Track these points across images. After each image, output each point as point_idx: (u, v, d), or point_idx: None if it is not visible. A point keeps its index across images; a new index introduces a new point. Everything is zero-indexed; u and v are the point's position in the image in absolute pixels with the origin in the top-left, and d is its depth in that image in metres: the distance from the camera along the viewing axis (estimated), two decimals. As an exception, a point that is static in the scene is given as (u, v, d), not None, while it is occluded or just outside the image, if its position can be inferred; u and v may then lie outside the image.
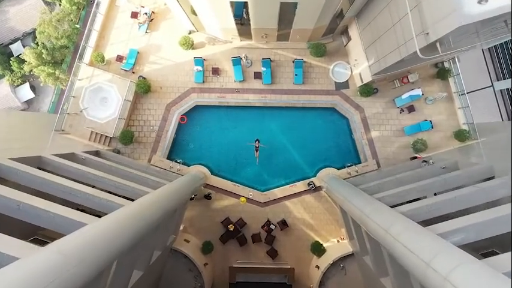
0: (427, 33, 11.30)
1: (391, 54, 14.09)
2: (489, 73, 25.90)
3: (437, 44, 11.25)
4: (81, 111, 19.27)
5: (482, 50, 25.41)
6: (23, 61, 25.26)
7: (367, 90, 18.91)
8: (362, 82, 18.73)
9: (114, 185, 13.36)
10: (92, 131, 19.32)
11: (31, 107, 28.44)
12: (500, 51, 25.28)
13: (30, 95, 27.73)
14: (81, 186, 11.27)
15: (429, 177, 14.85)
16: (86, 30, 19.63)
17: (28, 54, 24.04)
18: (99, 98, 19.61)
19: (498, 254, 11.55)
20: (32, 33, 27.46)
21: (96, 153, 17.55)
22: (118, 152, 19.73)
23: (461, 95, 18.83)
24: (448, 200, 11.31)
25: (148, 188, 13.71)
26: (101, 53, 19.48)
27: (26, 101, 28.04)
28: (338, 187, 16.78)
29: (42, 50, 24.34)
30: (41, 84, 25.70)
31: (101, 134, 19.40)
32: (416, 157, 19.00)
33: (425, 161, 17.12)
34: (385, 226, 10.41)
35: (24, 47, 26.91)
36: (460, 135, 18.52)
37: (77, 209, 9.65)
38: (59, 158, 13.19)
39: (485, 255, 9.89)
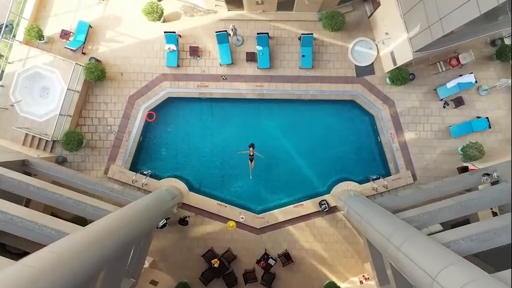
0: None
1: (459, 11, 8.95)
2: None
3: None
4: (11, 106, 14.13)
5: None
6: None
7: (401, 76, 13.77)
8: (395, 65, 13.59)
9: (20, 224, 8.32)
10: (26, 133, 14.19)
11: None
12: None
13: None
14: None
15: (505, 200, 9.85)
16: (19, -4, 14.45)
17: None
18: (38, 88, 14.50)
19: None
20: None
21: (23, 165, 12.41)
22: (62, 162, 14.57)
23: (530, 82, 13.74)
24: None
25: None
26: (39, 26, 14.29)
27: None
28: (363, 211, 11.75)
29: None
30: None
31: (40, 137, 14.27)
32: (467, 168, 13.89)
33: (487, 174, 12.02)
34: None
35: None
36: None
37: None
38: None
39: None
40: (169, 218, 14.21)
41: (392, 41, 13.18)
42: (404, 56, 12.73)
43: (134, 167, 15.06)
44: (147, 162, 15.41)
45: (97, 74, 14.10)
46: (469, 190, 12.64)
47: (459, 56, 13.64)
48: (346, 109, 15.39)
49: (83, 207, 10.77)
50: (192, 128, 15.58)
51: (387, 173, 14.84)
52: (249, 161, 14.45)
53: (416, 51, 11.86)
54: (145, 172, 14.82)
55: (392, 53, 13.55)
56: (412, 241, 8.38)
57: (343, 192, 14.22)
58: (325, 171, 15.37)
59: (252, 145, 14.08)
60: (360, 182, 14.76)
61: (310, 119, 15.49)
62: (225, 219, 14.70)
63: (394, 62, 13.57)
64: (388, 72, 14.43)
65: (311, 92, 14.84)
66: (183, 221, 14.34)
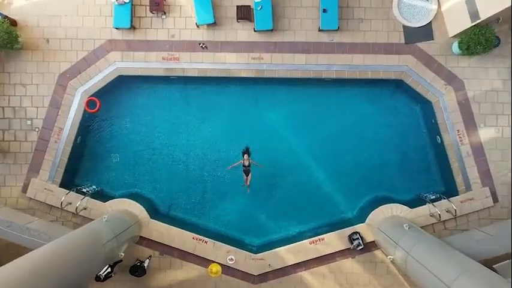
0: None
1: None
2: None
3: None
4: None
5: None
6: None
7: (483, 38, 8.63)
8: (474, 20, 8.50)
9: None
10: None
11: None
12: None
13: None
14: None
15: None
16: None
17: None
18: None
19: None
20: None
21: None
22: (-47, 174, 9.46)
23: None
24: None
25: None
26: None
27: None
28: (441, 267, 6.65)
29: None
30: None
31: None
32: None
33: None
34: None
35: None
36: None
37: None
38: None
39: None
40: (119, 261, 9.12)
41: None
42: (497, 3, 7.62)
43: (68, 181, 9.96)
44: (89, 174, 10.33)
45: (9, 40, 9.01)
46: None
47: None
48: (388, 94, 10.31)
49: None
50: (157, 122, 10.50)
51: (452, 191, 9.73)
52: (244, 174, 9.47)
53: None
54: (84, 190, 9.73)
55: (470, 1, 8.42)
56: None
57: (388, 222, 9.17)
58: (354, 188, 10.31)
59: (246, 151, 9.15)
60: (410, 204, 9.64)
61: (332, 109, 10.43)
62: (205, 262, 9.65)
63: (474, 16, 8.45)
64: (456, 35, 9.33)
65: (335, 68, 9.73)
66: (137, 269, 9.21)
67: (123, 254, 8.45)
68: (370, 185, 10.28)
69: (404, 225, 8.33)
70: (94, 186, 10.10)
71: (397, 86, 10.01)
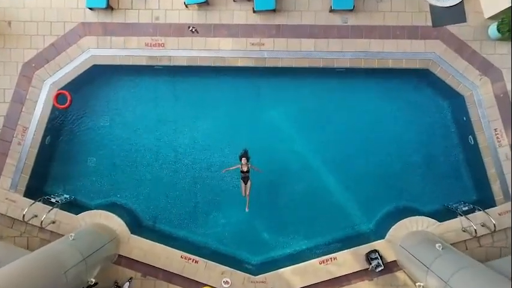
0: None
1: None
2: None
3: None
4: None
5: None
6: None
7: (530, 18, 7.14)
8: (520, -4, 6.98)
9: None
10: None
11: None
12: None
13: None
14: None
15: None
16: None
17: None
18: None
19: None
20: None
21: None
22: None
23: None
24: None
25: None
26: None
27: None
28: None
29: None
30: None
31: None
32: None
33: None
34: None
35: None
36: None
37: None
38: None
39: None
40: (95, 284, 7.57)
41: None
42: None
43: (35, 190, 8.46)
44: (60, 181, 8.85)
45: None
46: None
47: None
48: (410, 86, 8.82)
49: None
50: (140, 120, 9.02)
51: (488, 201, 8.20)
52: (241, 181, 7.95)
53: None
54: (53, 199, 8.23)
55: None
56: None
57: (413, 239, 7.68)
58: (371, 196, 8.81)
59: (245, 154, 7.71)
60: (437, 217, 8.12)
61: (345, 104, 8.94)
62: (196, 285, 8.13)
63: (520, -9, 6.94)
64: (493, 16, 7.83)
65: (349, 56, 8.23)
66: (114, 297, 7.70)
67: (93, 280, 6.93)
68: (389, 193, 8.79)
69: (437, 245, 6.80)
70: (66, 196, 8.62)
71: (422, 77, 8.52)
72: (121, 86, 8.87)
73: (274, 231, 8.80)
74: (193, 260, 8.14)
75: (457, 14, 8.04)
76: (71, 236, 6.93)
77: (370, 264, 7.92)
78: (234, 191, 8.52)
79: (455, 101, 8.43)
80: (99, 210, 8.29)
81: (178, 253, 8.16)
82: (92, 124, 8.87)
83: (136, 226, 8.51)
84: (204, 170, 8.87)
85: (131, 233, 8.20)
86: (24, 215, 7.75)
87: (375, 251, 8.00)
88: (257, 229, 8.82)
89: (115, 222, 8.24)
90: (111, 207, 8.56)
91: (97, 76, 8.59)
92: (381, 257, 7.94)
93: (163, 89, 8.92)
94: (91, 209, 8.38)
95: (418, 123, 8.77)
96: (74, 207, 8.49)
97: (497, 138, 8.04)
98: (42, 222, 7.74)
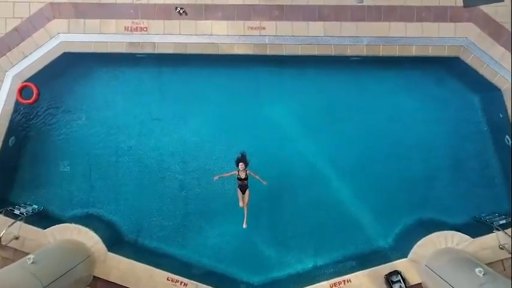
0: None
1: None
2: None
3: None
4: None
5: None
6: None
7: None
8: None
9: None
10: None
11: None
12: None
13: None
14: None
15: None
16: None
17: None
18: None
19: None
20: None
21: None
22: None
23: None
24: None
25: None
26: None
27: None
28: None
29: None
30: None
31: None
32: None
33: None
34: None
35: None
36: None
37: None
38: None
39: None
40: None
41: None
42: None
43: (-3, 199, 7.21)
44: (27, 189, 7.61)
45: None
46: None
47: None
48: (435, 78, 7.68)
49: None
50: (121, 119, 7.82)
51: (527, 212, 6.99)
52: (238, 190, 6.77)
53: None
54: (17, 211, 7.00)
55: None
56: None
57: (442, 259, 6.49)
58: (389, 207, 7.63)
59: (242, 159, 6.57)
60: (468, 231, 6.88)
61: (359, 100, 7.78)
62: (184, 312, 6.89)
63: None
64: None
65: (366, 42, 7.05)
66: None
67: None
68: (411, 203, 7.61)
69: (477, 270, 5.55)
70: (33, 206, 7.42)
71: (451, 67, 7.39)
72: (98, 78, 7.69)
73: (277, 247, 7.61)
74: (181, 282, 6.92)
75: (493, -9, 6.82)
76: (30, 258, 5.67)
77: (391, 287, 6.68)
78: (230, 201, 7.28)
79: (490, 95, 7.25)
80: (71, 224, 7.06)
81: (164, 274, 6.95)
82: (65, 123, 7.69)
83: (115, 242, 7.27)
84: (195, 176, 7.68)
85: (109, 251, 6.97)
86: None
87: (397, 272, 6.79)
88: (257, 244, 7.61)
89: (90, 238, 6.99)
90: (86, 219, 7.35)
91: (69, 66, 7.43)
92: (403, 279, 6.73)
93: (148, 81, 7.76)
94: (63, 222, 7.13)
95: (444, 122, 7.70)
96: (43, 220, 7.28)
97: (541, 139, 6.83)
98: (0, 238, 6.49)
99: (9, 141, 7.27)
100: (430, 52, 7.03)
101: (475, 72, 7.03)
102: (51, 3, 7.04)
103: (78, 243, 6.92)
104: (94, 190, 7.64)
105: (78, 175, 7.67)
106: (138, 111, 7.77)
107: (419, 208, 7.49)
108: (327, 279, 6.95)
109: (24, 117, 7.41)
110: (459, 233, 6.86)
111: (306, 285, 6.93)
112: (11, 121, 7.15)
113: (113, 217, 7.56)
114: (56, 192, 7.59)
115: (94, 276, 6.95)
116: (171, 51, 7.15)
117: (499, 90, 6.98)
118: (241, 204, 6.92)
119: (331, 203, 7.60)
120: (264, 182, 6.55)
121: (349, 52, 7.09)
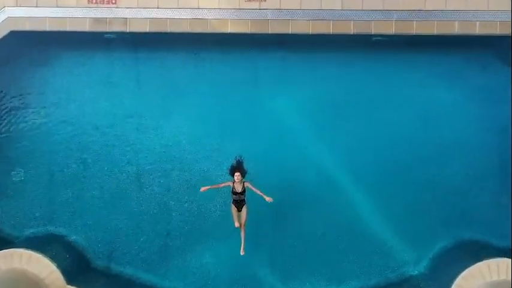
0: None
1: None
2: None
3: None
4: None
5: None
6: None
7: None
8: None
9: None
10: None
11: None
12: None
13: None
14: None
15: None
16: None
17: None
18: None
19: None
20: None
21: None
22: None
23: None
24: None
25: None
26: None
27: None
28: None
29: None
30: None
31: None
32: None
33: None
34: None
35: None
36: None
37: None
38: None
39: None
40: None
41: None
42: None
43: None
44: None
45: None
46: None
47: None
48: (479, 65, 6.21)
49: None
50: (88, 115, 6.35)
51: None
52: (233, 206, 5.40)
53: None
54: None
55: None
56: None
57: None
58: (419, 224, 6.17)
59: (238, 167, 5.26)
60: None
61: (383, 92, 6.30)
62: None
63: None
64: None
65: (395, 17, 5.60)
66: None
67: None
68: (446, 219, 6.16)
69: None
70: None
71: (501, 49, 5.86)
72: (58, 65, 6.20)
73: (282, 275, 6.12)
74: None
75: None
76: None
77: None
78: (223, 219, 5.83)
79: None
80: (20, 249, 5.58)
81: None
82: (17, 120, 6.18)
83: (78, 272, 5.80)
84: (179, 187, 6.17)
85: (68, 283, 5.48)
86: None
87: (436, 313, 5.30)
88: (257, 271, 6.13)
89: (44, 267, 5.53)
90: (42, 243, 5.88)
91: (20, 49, 5.90)
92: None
93: (120, 69, 6.29)
94: (10, 246, 5.66)
95: (491, 120, 6.19)
96: (-11, 242, 5.80)
97: None
98: None
99: None
100: (478, 30, 5.58)
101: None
102: (-6, -30, 5.60)
103: (28, 274, 5.47)
104: (53, 204, 6.17)
105: (34, 185, 6.19)
106: (109, 106, 6.31)
107: (461, 227, 6.01)
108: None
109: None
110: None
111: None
112: None
113: (76, 239, 6.08)
114: (4, 207, 6.12)
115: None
116: (147, 29, 5.69)
117: None
118: (236, 224, 5.47)
119: (349, 221, 6.14)
120: (268, 198, 5.10)
121: (373, 30, 5.64)
